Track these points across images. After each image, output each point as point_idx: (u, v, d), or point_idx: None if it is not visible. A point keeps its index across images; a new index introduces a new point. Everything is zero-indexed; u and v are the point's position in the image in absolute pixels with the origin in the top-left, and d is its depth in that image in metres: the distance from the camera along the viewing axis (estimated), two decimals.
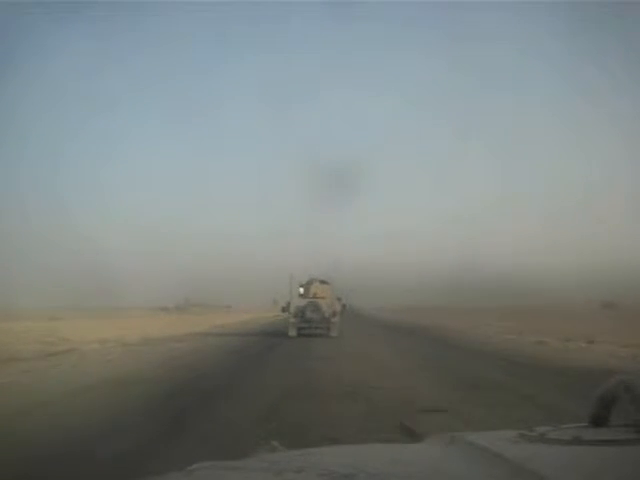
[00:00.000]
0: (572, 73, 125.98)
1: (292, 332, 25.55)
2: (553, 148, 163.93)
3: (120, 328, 28.74)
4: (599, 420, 1.30)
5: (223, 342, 23.68)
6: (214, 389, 10.14)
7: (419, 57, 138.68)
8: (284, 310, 26.92)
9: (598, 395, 1.29)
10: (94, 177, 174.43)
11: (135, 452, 5.66)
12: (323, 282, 26.60)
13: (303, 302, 25.75)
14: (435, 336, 27.79)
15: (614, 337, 19.98)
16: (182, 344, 21.71)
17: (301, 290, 26.48)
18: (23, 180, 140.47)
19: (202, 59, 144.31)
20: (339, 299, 26.49)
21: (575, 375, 11.29)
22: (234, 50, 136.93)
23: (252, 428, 6.57)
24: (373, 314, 75.53)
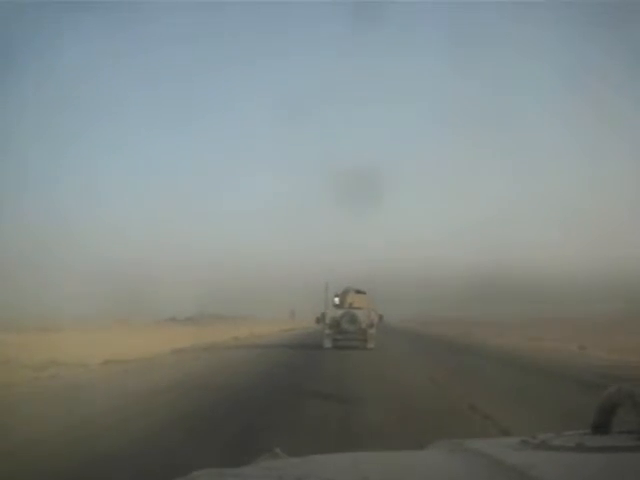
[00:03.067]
0: (588, 79, 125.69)
1: (327, 343, 26.02)
2: (572, 152, 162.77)
3: (101, 343, 26.48)
4: (601, 427, 1.38)
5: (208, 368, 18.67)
6: None
7: (435, 63, 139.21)
8: (318, 321, 27.49)
9: (600, 402, 1.38)
10: (106, 185, 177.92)
11: None
12: (359, 292, 27.00)
13: (339, 313, 26.27)
14: None
15: None
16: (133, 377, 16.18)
17: (336, 300, 26.89)
18: (26, 183, 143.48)
19: (218, 61, 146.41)
20: (374, 310, 26.83)
21: None
22: (248, 53, 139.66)
23: None
24: (404, 326, 74.69)
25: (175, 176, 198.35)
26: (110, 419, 9.21)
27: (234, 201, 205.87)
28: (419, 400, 10.85)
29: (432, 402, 10.59)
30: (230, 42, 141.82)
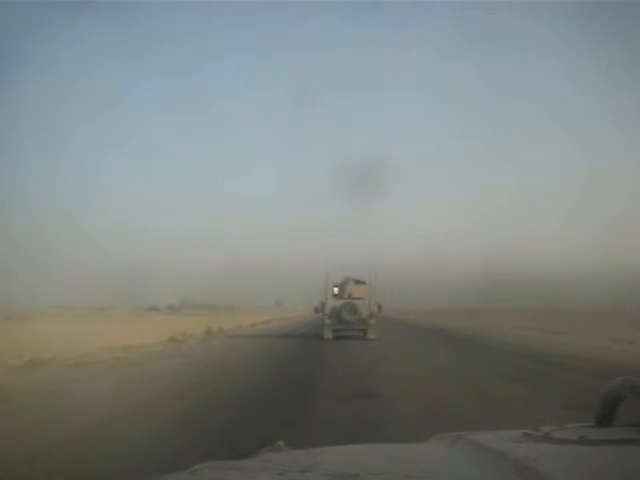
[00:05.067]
0: (593, 78, 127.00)
1: (328, 334, 26.55)
2: (580, 143, 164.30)
3: (52, 336, 23.58)
4: (604, 420, 1.44)
5: None
6: None
7: (438, 58, 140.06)
8: (317, 311, 28.12)
9: (603, 395, 1.44)
10: (98, 175, 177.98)
11: None
12: (359, 282, 27.49)
13: (339, 303, 26.78)
14: None
15: None
16: None
17: (335, 290, 27.34)
18: (23, 179, 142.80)
19: (221, 55, 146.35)
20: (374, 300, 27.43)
21: None
22: (249, 48, 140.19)
23: None
24: (404, 318, 73.25)
25: (166, 167, 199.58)
26: None
27: (223, 190, 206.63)
28: None
29: None
30: (233, 35, 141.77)
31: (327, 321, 26.82)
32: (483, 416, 8.78)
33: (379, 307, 27.73)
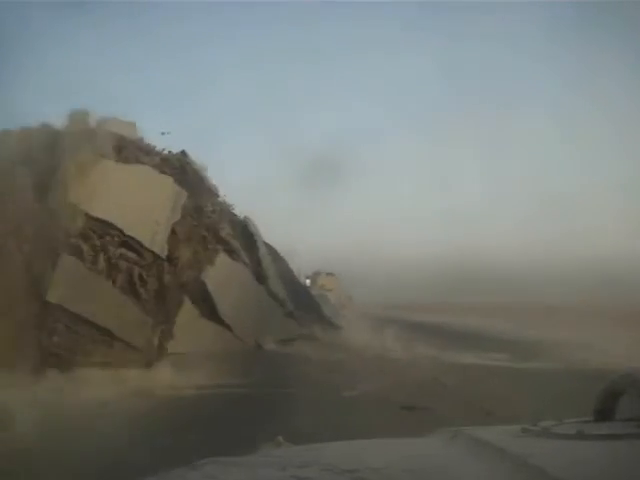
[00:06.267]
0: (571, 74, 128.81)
1: None
2: (551, 144, 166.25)
3: None
4: (604, 414, 1.44)
5: None
6: None
7: (412, 55, 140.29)
8: None
9: (603, 389, 1.44)
10: None
11: None
12: (330, 274, 28.49)
13: None
14: None
15: None
16: None
17: (308, 282, 28.03)
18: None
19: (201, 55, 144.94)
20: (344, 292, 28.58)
21: None
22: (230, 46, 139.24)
23: None
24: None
25: None
26: None
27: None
28: None
29: None
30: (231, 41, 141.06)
31: None
32: None
33: (349, 298, 28.53)
